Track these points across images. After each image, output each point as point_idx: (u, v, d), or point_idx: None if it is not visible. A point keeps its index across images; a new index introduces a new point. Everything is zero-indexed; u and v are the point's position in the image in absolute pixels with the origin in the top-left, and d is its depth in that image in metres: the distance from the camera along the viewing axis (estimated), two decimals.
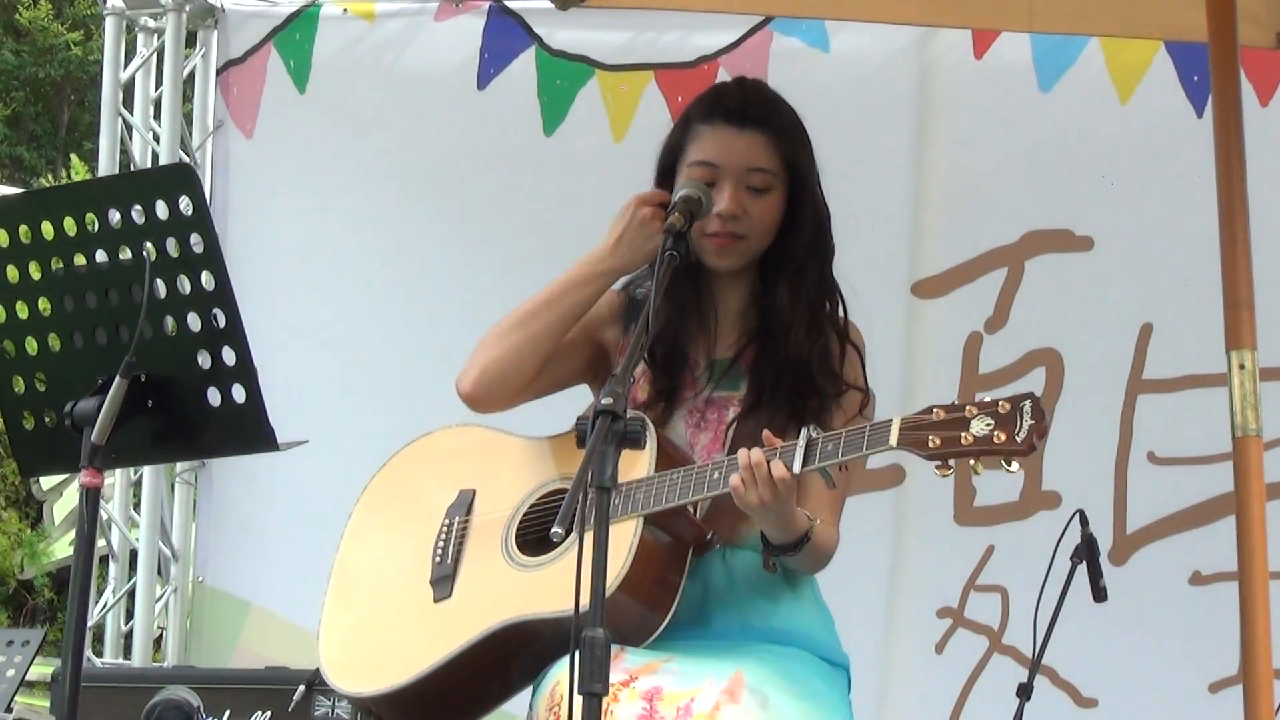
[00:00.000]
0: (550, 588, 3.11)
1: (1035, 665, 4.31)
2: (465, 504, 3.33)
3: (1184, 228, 5.21)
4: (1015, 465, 2.77)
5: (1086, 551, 4.29)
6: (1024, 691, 4.34)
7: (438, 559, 3.29)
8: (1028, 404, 2.78)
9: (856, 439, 2.89)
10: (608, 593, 2.94)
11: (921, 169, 5.56)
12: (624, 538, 3.02)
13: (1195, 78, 5.25)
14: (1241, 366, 3.51)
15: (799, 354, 3.20)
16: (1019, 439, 2.76)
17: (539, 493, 3.27)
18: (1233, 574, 3.53)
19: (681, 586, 3.09)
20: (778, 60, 5.56)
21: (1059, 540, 4.34)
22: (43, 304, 3.10)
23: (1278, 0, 4.44)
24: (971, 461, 2.80)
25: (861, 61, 5.59)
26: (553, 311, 3.27)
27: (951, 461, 2.81)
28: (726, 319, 3.30)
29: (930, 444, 2.81)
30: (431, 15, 5.91)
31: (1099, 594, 4.31)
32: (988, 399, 2.82)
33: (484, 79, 5.84)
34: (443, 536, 3.31)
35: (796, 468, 2.92)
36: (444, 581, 3.26)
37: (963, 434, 2.79)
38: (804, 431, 2.95)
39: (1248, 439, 3.51)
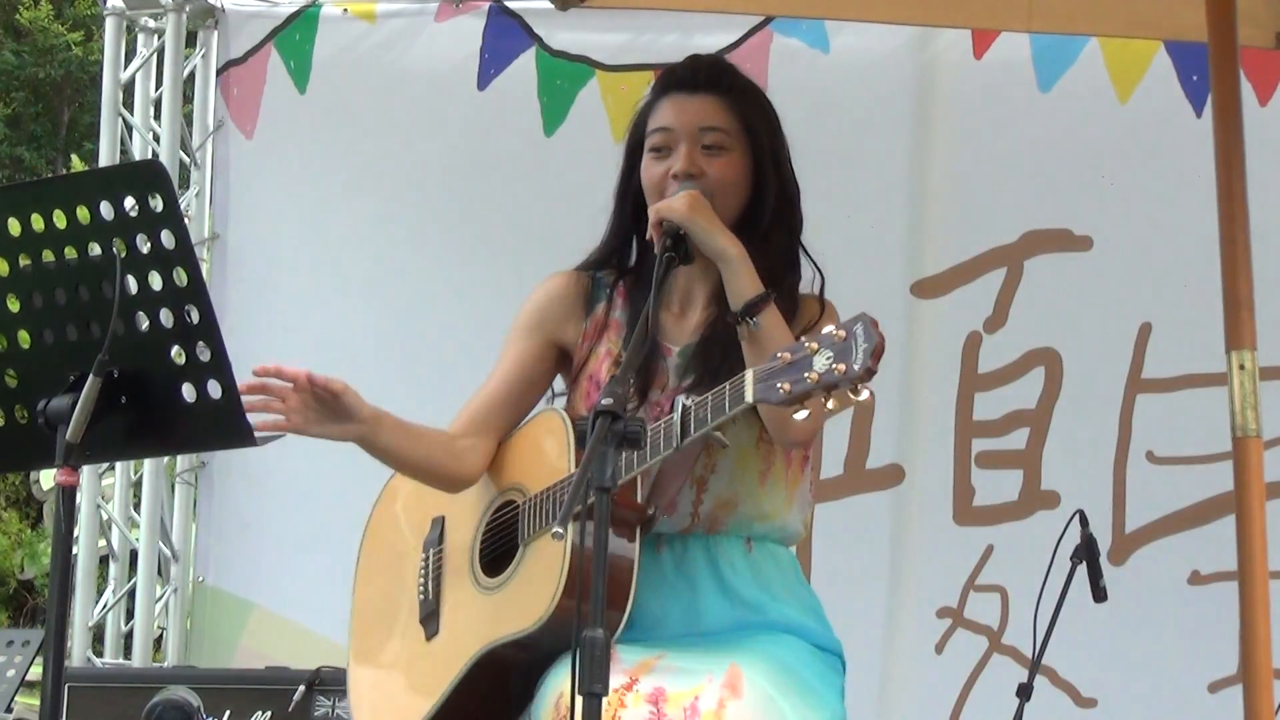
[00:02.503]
0: (508, 607, 3.13)
1: (1035, 665, 4.31)
2: (437, 534, 3.34)
3: (1183, 228, 5.21)
4: (864, 393, 2.73)
5: (1087, 552, 4.29)
6: (1024, 692, 4.34)
7: (422, 596, 3.32)
8: (859, 327, 2.73)
9: (720, 401, 2.88)
10: (550, 606, 3.00)
11: (921, 169, 5.56)
12: (557, 545, 3.02)
13: (1194, 77, 5.25)
14: (1241, 367, 3.52)
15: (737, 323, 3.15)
16: (856, 367, 2.70)
17: (490, 509, 3.28)
18: (1231, 574, 3.53)
19: (635, 571, 3.07)
20: (778, 60, 5.56)
21: (1059, 540, 4.35)
22: (11, 301, 3.08)
23: (1278, 0, 4.44)
24: (823, 400, 2.75)
25: (861, 61, 5.59)
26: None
27: (807, 402, 2.77)
28: (699, 306, 3.27)
29: (781, 390, 2.77)
30: (431, 16, 5.90)
31: (1099, 594, 4.32)
32: (825, 330, 2.76)
33: (484, 79, 5.84)
34: (423, 572, 3.33)
35: (675, 443, 2.92)
36: (431, 619, 3.29)
37: (807, 374, 2.74)
38: (678, 401, 2.94)
39: (1248, 439, 3.51)
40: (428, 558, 3.33)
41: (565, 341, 3.34)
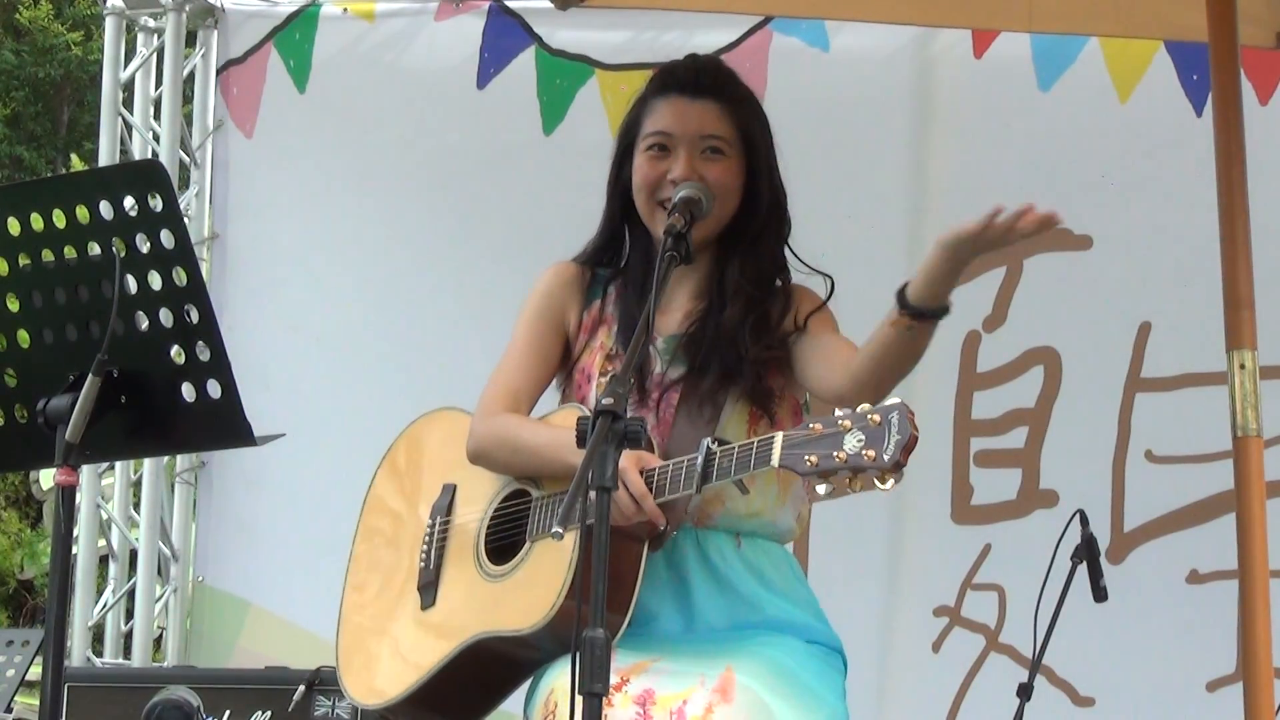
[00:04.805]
0: (509, 601, 3.14)
1: (1035, 665, 4.31)
2: (446, 503, 3.34)
3: (1183, 227, 5.21)
4: (890, 483, 2.73)
5: (1087, 551, 4.29)
6: (1024, 691, 4.34)
7: (423, 564, 3.32)
8: (895, 416, 2.73)
9: (746, 457, 2.89)
10: (552, 610, 3.00)
11: (921, 168, 5.56)
12: (564, 548, 3.03)
13: (1195, 77, 5.25)
14: (1242, 366, 3.53)
15: (731, 323, 3.19)
16: (885, 457, 2.71)
17: (501, 495, 3.28)
18: (1230, 572, 3.54)
19: (639, 582, 3.07)
20: (778, 60, 5.56)
21: (1059, 540, 4.35)
22: (11, 300, 3.09)
23: (1278, 0, 4.45)
24: (848, 480, 2.75)
25: (861, 61, 5.59)
26: (532, 464, 3.23)
27: (832, 478, 2.76)
28: (684, 298, 3.30)
29: (808, 462, 2.78)
30: (431, 15, 5.91)
31: (1099, 594, 4.32)
32: (860, 409, 2.76)
33: (484, 79, 5.84)
34: (426, 539, 3.33)
35: (694, 487, 2.92)
36: (428, 589, 3.29)
37: (836, 452, 2.74)
38: (703, 444, 2.94)
39: (1248, 439, 3.52)
40: (434, 525, 3.33)
41: (569, 330, 3.36)
